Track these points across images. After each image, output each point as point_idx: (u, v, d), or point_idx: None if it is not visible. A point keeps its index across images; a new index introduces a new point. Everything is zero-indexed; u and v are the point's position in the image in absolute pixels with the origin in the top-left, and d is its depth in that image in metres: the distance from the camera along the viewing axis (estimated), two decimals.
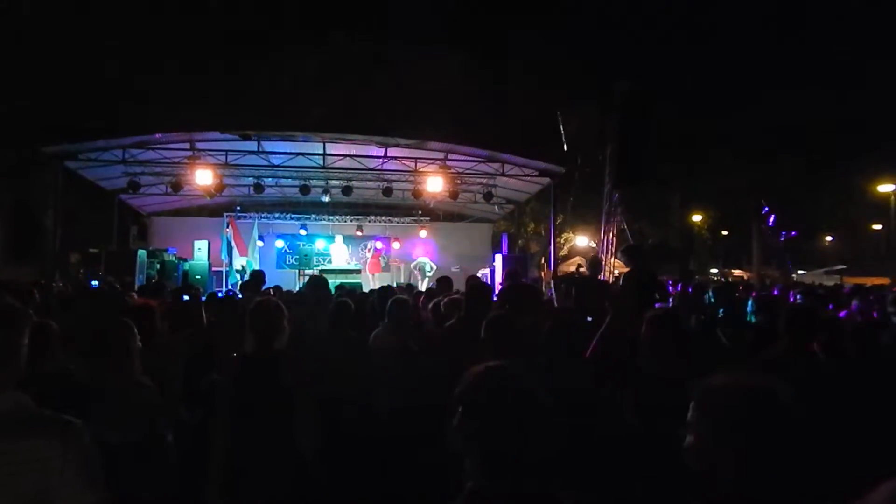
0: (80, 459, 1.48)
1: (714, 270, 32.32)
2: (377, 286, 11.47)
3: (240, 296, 6.61)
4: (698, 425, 1.37)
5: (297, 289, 13.91)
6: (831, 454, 2.05)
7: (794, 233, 14.34)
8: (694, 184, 26.45)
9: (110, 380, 2.71)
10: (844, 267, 26.89)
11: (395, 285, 12.58)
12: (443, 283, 6.78)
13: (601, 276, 7.02)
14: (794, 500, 1.24)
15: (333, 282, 12.23)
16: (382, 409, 3.81)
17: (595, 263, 7.20)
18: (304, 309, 5.03)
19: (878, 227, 29.09)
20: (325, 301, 5.08)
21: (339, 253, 17.83)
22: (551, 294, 9.46)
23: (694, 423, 1.38)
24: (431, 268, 17.85)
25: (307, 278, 11.44)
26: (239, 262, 16.92)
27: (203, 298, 6.11)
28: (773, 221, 14.08)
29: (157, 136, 13.53)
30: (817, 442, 1.32)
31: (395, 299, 4.44)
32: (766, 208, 14.10)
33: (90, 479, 1.49)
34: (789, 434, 1.27)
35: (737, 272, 30.78)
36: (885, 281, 17.66)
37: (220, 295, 6.97)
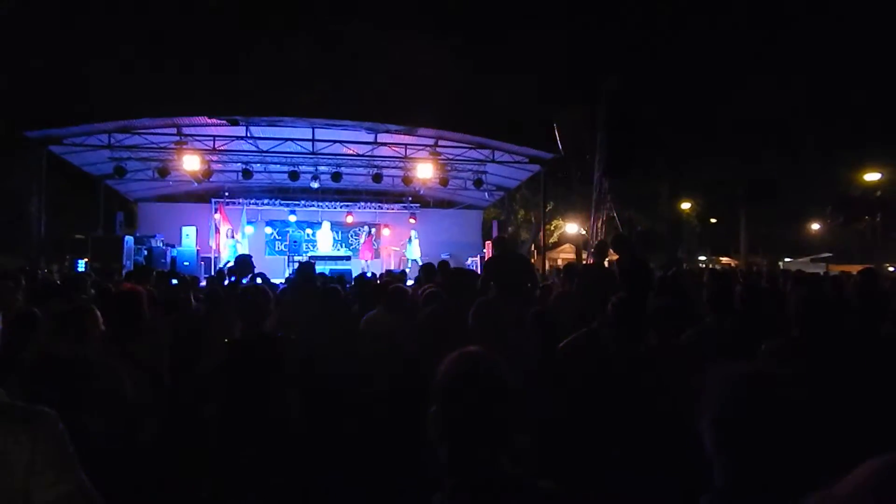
0: (51, 450, 1.44)
1: (702, 258, 32.58)
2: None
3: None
4: (703, 411, 1.34)
5: (286, 275, 13.86)
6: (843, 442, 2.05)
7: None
8: (682, 172, 26.57)
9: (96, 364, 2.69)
10: (830, 255, 27.18)
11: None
12: (428, 271, 6.58)
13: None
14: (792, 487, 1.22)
15: (321, 268, 12.25)
16: (370, 393, 3.81)
17: (602, 248, 6.61)
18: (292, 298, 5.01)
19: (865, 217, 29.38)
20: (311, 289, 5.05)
21: (325, 239, 17.75)
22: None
23: (701, 408, 1.35)
24: (416, 255, 17.82)
25: (296, 264, 11.39)
26: (227, 246, 16.79)
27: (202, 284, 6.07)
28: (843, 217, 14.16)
29: (143, 120, 13.37)
30: (821, 430, 1.30)
31: (395, 286, 4.40)
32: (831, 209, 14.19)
33: (63, 469, 1.46)
34: (785, 423, 1.25)
35: (724, 260, 31.06)
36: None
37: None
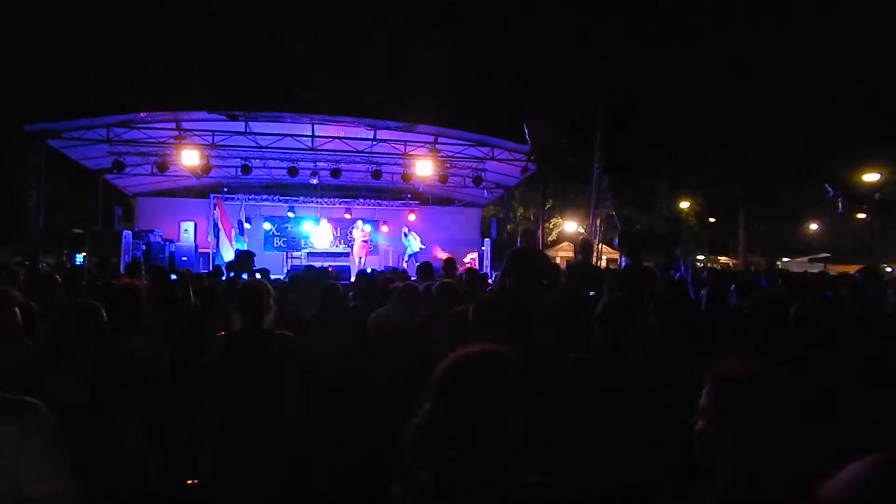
0: (40, 444, 1.40)
1: (701, 257, 32.60)
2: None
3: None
4: (707, 410, 1.32)
5: (285, 272, 13.85)
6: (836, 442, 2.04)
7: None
8: (681, 170, 26.56)
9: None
10: (829, 255, 27.21)
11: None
12: (425, 270, 6.43)
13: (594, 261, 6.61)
14: (793, 491, 1.21)
15: (321, 265, 12.22)
16: (375, 392, 3.80)
17: (586, 247, 6.58)
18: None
19: (862, 215, 29.38)
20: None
21: (322, 235, 17.67)
22: None
23: (703, 408, 1.33)
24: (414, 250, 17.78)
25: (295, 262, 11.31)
26: (227, 249, 16.75)
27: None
28: (843, 205, 13.83)
29: (141, 114, 13.33)
30: (824, 431, 1.28)
31: (407, 284, 4.39)
32: (832, 191, 13.74)
33: (56, 464, 1.42)
34: (791, 424, 1.24)
35: (723, 259, 31.09)
36: None
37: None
